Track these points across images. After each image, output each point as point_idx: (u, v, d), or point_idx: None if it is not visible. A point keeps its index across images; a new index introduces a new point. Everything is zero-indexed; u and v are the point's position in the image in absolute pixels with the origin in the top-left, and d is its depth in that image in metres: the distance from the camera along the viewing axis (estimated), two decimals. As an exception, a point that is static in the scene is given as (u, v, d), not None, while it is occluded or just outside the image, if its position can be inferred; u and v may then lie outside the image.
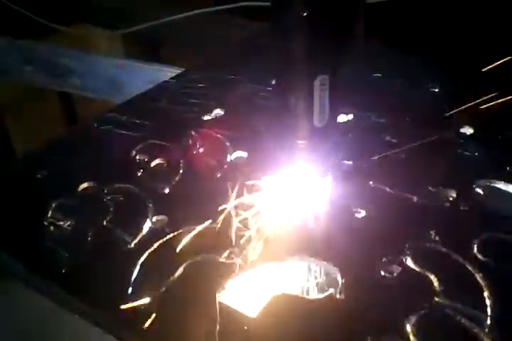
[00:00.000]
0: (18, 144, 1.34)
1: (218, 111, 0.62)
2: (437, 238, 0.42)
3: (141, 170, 0.53)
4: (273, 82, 0.65)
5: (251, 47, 0.79)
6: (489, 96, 0.57)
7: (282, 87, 0.44)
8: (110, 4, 1.13)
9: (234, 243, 0.43)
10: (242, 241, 0.43)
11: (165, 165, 0.54)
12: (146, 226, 0.46)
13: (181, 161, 0.54)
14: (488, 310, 0.37)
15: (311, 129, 0.44)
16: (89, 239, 0.45)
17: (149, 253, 0.43)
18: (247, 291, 0.40)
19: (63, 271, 0.43)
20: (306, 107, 0.43)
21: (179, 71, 0.75)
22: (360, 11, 0.43)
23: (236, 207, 0.46)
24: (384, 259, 0.41)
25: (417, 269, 0.40)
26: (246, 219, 0.45)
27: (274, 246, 0.43)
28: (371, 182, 0.50)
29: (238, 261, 0.42)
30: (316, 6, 0.39)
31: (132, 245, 0.44)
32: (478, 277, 0.39)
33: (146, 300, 0.39)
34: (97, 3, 1.18)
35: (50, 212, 0.48)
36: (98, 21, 1.18)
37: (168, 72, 0.80)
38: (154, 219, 0.47)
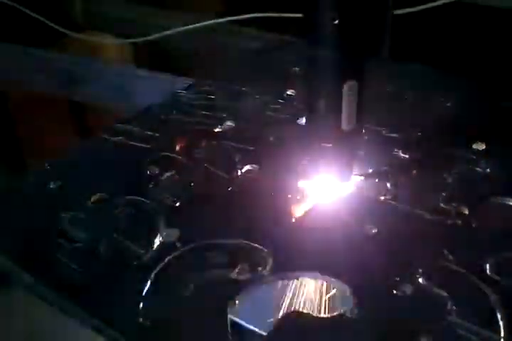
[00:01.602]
0: (29, 153, 1.35)
1: (229, 123, 0.62)
2: (450, 256, 0.42)
3: (153, 183, 0.53)
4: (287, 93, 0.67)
5: (262, 59, 0.79)
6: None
7: (311, 91, 0.46)
8: (122, 13, 1.14)
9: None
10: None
11: (176, 177, 0.54)
12: (158, 240, 0.46)
13: (192, 174, 0.54)
14: (502, 330, 0.37)
15: (338, 132, 0.46)
16: (100, 252, 0.45)
17: (161, 268, 0.43)
18: (259, 308, 0.40)
19: (74, 284, 0.43)
20: (334, 111, 0.45)
21: (190, 82, 0.75)
22: (388, 18, 0.43)
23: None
24: (396, 278, 0.41)
25: (430, 288, 0.40)
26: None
27: (285, 263, 0.43)
28: (382, 198, 0.50)
29: (249, 277, 0.42)
30: (347, 14, 0.40)
31: (144, 259, 0.44)
32: (492, 297, 0.39)
33: (157, 315, 0.39)
34: (108, 12, 1.19)
35: (61, 224, 0.48)
36: (110, 30, 1.18)
37: (179, 83, 0.80)
38: (166, 232, 0.47)
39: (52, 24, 1.10)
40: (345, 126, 0.45)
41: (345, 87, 0.43)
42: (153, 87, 0.86)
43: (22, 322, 0.59)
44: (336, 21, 0.40)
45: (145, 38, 1.02)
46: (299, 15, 0.79)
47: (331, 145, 0.47)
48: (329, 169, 0.49)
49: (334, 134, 0.46)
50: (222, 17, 0.95)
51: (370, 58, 0.44)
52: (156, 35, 0.99)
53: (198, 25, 0.94)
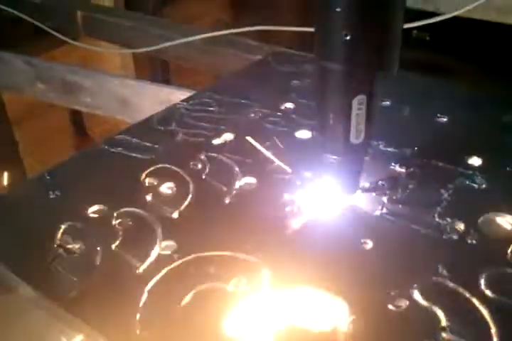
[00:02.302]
0: (27, 157, 1.36)
1: (228, 136, 0.63)
2: (445, 272, 0.43)
3: (151, 194, 0.53)
4: (286, 106, 0.67)
5: (262, 71, 0.80)
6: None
7: (321, 104, 0.47)
8: (124, 22, 1.15)
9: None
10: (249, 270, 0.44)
11: (174, 189, 0.54)
12: (155, 251, 0.46)
13: (190, 186, 0.54)
14: (495, 347, 0.37)
15: (347, 146, 0.47)
16: (97, 263, 0.46)
17: (157, 280, 0.43)
18: (255, 322, 0.40)
19: (71, 294, 0.43)
20: (343, 125, 0.46)
21: (190, 93, 0.75)
22: (399, 33, 0.44)
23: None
24: (391, 293, 0.41)
25: (425, 304, 0.40)
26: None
27: (281, 276, 0.43)
28: (378, 213, 0.50)
29: (246, 290, 0.42)
30: (359, 29, 0.41)
31: (141, 270, 0.45)
32: (486, 313, 0.39)
33: (153, 327, 0.40)
34: (110, 21, 1.20)
35: (59, 234, 0.49)
36: (110, 39, 1.19)
37: (178, 94, 0.81)
38: (163, 244, 0.47)
39: (53, 32, 1.11)
40: (353, 139, 0.46)
41: (355, 102, 0.44)
42: (153, 98, 0.87)
43: (20, 326, 0.59)
44: (348, 37, 0.41)
45: (145, 49, 1.03)
46: (299, 28, 0.80)
47: (339, 158, 0.48)
48: (336, 182, 0.50)
49: (343, 147, 0.47)
50: (222, 29, 0.95)
51: (380, 72, 0.44)
52: (158, 47, 1.00)
53: (198, 37, 0.95)
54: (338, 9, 0.40)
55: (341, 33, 0.41)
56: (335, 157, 0.48)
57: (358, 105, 0.45)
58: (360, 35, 0.41)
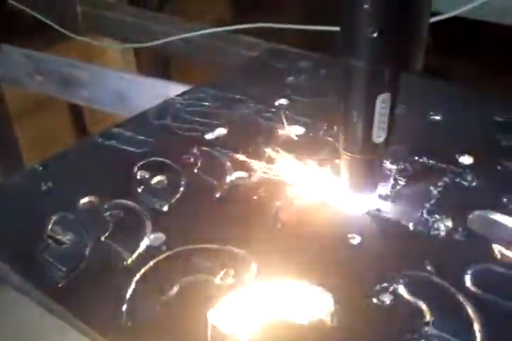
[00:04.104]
0: (27, 152, 1.36)
1: (221, 131, 0.63)
2: (430, 268, 0.43)
3: (142, 187, 0.53)
4: (279, 102, 0.67)
5: (258, 67, 0.80)
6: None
7: (344, 102, 0.46)
8: (125, 18, 1.15)
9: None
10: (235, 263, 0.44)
11: (165, 182, 0.55)
12: (144, 243, 0.47)
13: (182, 179, 0.55)
14: (478, 342, 0.37)
15: (369, 145, 0.46)
16: (87, 253, 0.46)
17: (145, 271, 0.44)
18: (240, 314, 0.40)
19: (60, 284, 0.43)
20: (365, 123, 0.45)
21: (187, 88, 0.76)
22: (425, 31, 0.43)
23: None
24: (377, 287, 0.41)
25: (409, 298, 0.40)
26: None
27: (268, 270, 0.43)
28: (367, 208, 0.50)
29: (232, 282, 0.42)
30: (387, 26, 0.40)
31: (129, 262, 0.45)
32: (470, 309, 0.39)
33: (139, 317, 0.40)
34: (111, 16, 1.20)
35: (50, 225, 0.49)
36: (112, 34, 1.19)
37: (176, 89, 0.81)
38: (152, 236, 0.47)
39: (56, 26, 1.11)
40: (375, 138, 0.46)
41: (379, 99, 0.44)
42: (151, 92, 0.87)
43: (11, 322, 0.59)
44: (375, 34, 0.40)
45: (145, 44, 1.03)
46: (299, 26, 0.79)
47: (358, 157, 0.47)
48: (356, 181, 0.49)
49: (363, 146, 0.46)
50: (222, 26, 0.96)
51: (403, 72, 0.44)
52: (159, 42, 1.00)
53: (199, 32, 0.95)
54: (366, 6, 0.39)
55: (369, 30, 0.40)
56: (353, 155, 0.47)
57: (382, 103, 0.44)
58: (388, 32, 0.40)
